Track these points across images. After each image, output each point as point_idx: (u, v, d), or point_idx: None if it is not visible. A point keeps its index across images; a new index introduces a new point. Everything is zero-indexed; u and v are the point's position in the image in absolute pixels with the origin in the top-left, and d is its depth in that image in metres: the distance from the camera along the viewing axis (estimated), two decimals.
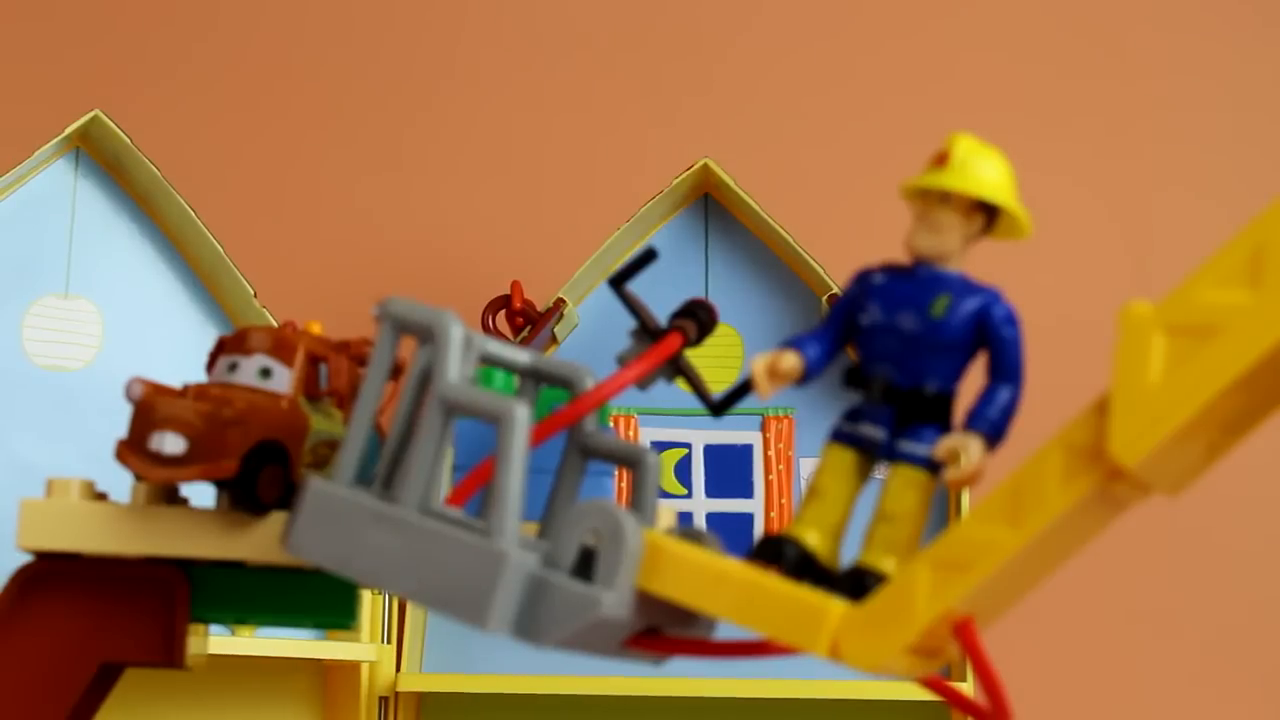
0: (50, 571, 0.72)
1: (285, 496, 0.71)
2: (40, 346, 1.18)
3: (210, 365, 0.73)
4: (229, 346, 0.73)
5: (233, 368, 0.72)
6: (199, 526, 0.70)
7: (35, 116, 1.34)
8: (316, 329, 0.74)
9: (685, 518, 1.24)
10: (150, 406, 0.68)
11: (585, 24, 1.52)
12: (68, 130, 1.18)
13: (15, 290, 1.18)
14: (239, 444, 0.68)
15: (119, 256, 1.22)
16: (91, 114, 1.18)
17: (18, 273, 1.18)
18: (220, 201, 1.30)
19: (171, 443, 0.67)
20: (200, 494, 0.73)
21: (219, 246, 1.20)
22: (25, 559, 0.73)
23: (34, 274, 1.19)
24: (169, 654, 0.71)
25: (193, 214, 1.19)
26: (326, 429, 0.73)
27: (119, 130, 1.18)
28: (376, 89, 1.50)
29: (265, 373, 0.71)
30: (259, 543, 0.70)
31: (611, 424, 1.25)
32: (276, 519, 0.70)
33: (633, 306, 0.71)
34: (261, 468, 0.69)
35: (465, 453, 1.21)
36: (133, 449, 0.68)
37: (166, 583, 0.72)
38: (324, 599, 0.74)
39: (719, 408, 0.71)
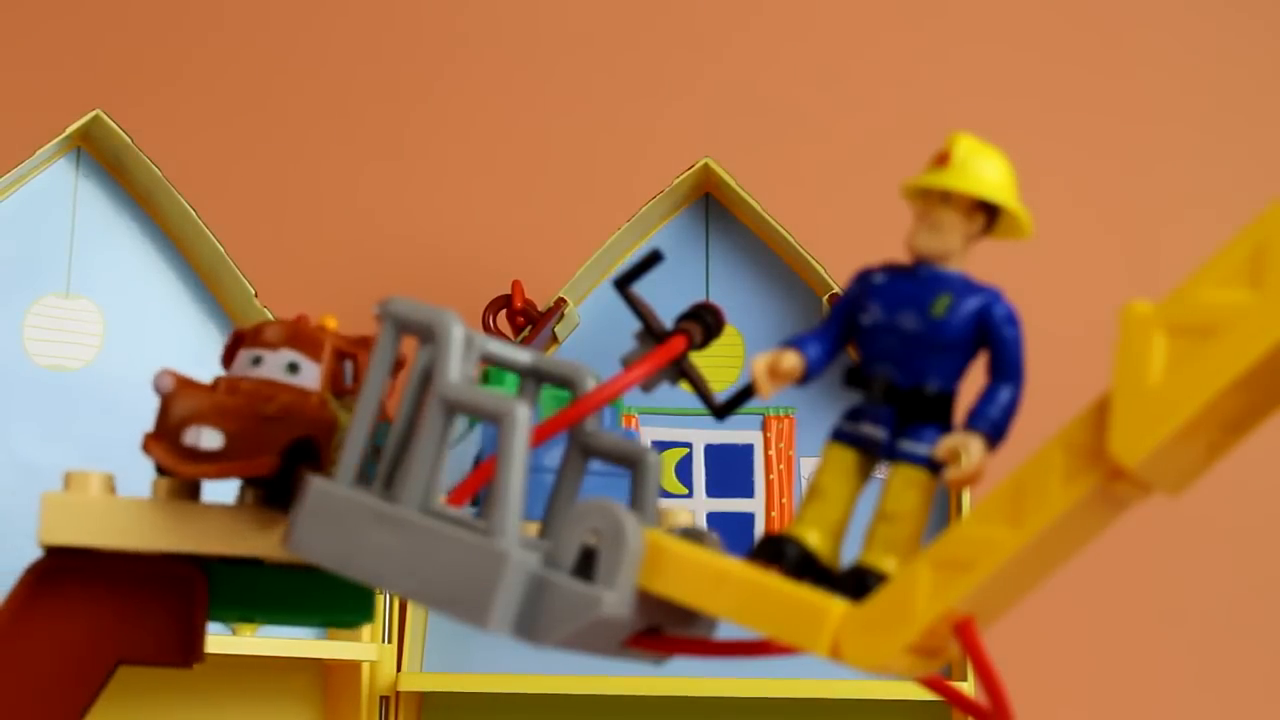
0: (64, 568, 0.71)
1: None
2: (41, 346, 1.18)
3: (228, 358, 0.72)
4: (249, 339, 0.71)
5: (257, 361, 0.70)
6: (221, 524, 0.69)
7: (36, 116, 1.34)
8: (332, 324, 0.73)
9: None
10: (183, 399, 0.67)
11: (585, 23, 1.52)
12: (69, 130, 1.18)
13: (16, 290, 1.18)
14: (277, 441, 0.67)
15: (120, 256, 1.22)
16: (92, 114, 1.18)
17: (19, 272, 1.19)
18: (221, 201, 1.30)
19: (209, 437, 0.66)
20: (210, 490, 0.72)
21: (220, 246, 1.20)
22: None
23: (35, 273, 1.19)
24: (186, 653, 0.70)
25: (193, 213, 1.19)
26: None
27: (120, 130, 1.18)
28: (377, 88, 1.50)
29: (293, 368, 0.70)
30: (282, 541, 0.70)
31: (625, 423, 1.25)
32: None
33: (637, 308, 0.71)
34: (297, 465, 0.68)
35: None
36: (162, 442, 0.67)
37: (185, 580, 0.71)
38: (340, 597, 0.73)
39: (722, 411, 0.71)
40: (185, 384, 0.68)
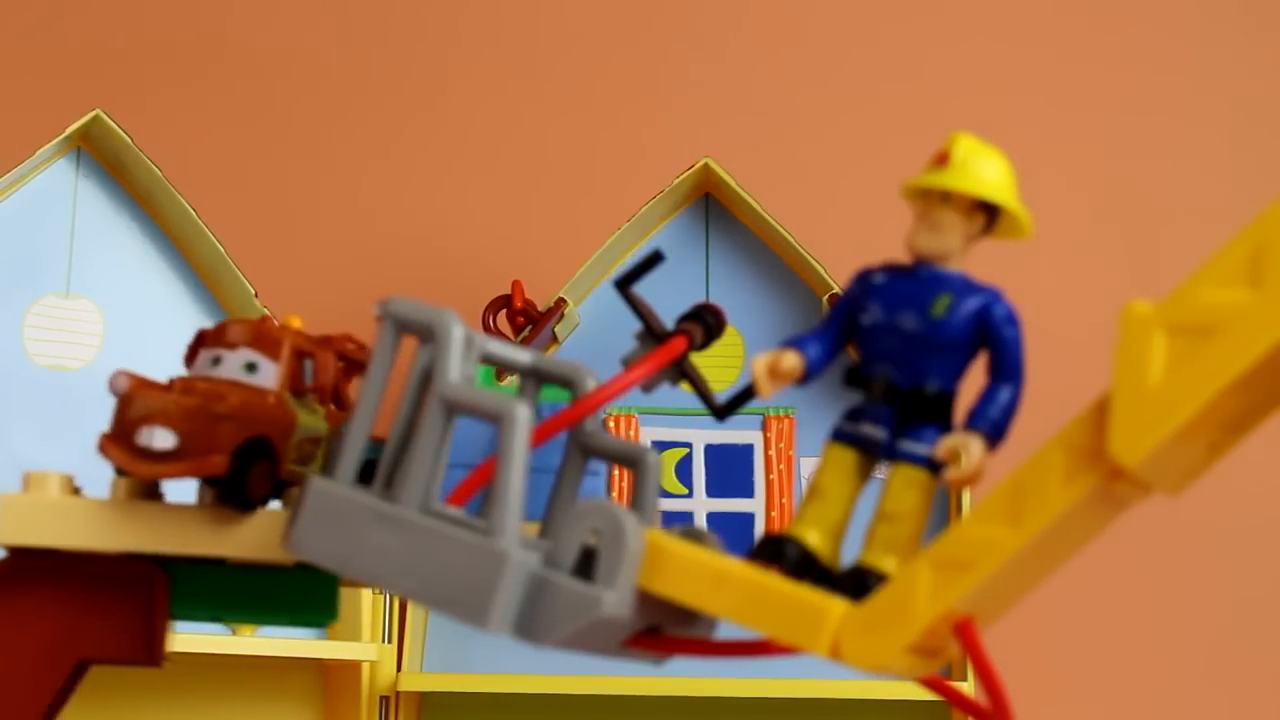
0: (27, 568, 0.71)
1: (272, 494, 0.70)
2: (41, 346, 1.18)
3: (190, 358, 0.72)
4: (210, 340, 0.72)
5: (216, 361, 0.71)
6: (180, 523, 0.69)
7: (36, 116, 1.34)
8: (297, 323, 0.73)
9: (686, 517, 1.24)
10: (137, 400, 0.67)
11: (585, 23, 1.52)
12: (69, 130, 1.18)
13: (16, 290, 1.18)
14: (229, 440, 0.67)
15: (120, 256, 1.22)
16: (92, 114, 1.18)
17: (19, 272, 1.19)
18: (221, 201, 1.30)
19: (161, 437, 0.66)
20: (176, 490, 0.72)
21: (220, 246, 1.20)
22: None
23: (35, 273, 1.19)
24: (148, 652, 0.70)
25: (193, 213, 1.19)
26: (311, 425, 0.72)
27: (120, 130, 1.18)
28: (377, 89, 1.50)
29: (250, 367, 0.70)
30: (241, 540, 0.69)
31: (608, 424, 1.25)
32: (260, 516, 0.70)
33: (638, 309, 0.71)
34: (251, 464, 0.68)
35: (461, 452, 1.21)
36: (118, 443, 0.67)
37: (146, 580, 0.71)
38: (304, 596, 0.73)
39: (723, 411, 0.71)
40: (141, 385, 0.68)
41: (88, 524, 0.69)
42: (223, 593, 0.73)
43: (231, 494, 0.68)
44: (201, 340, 0.72)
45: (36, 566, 0.71)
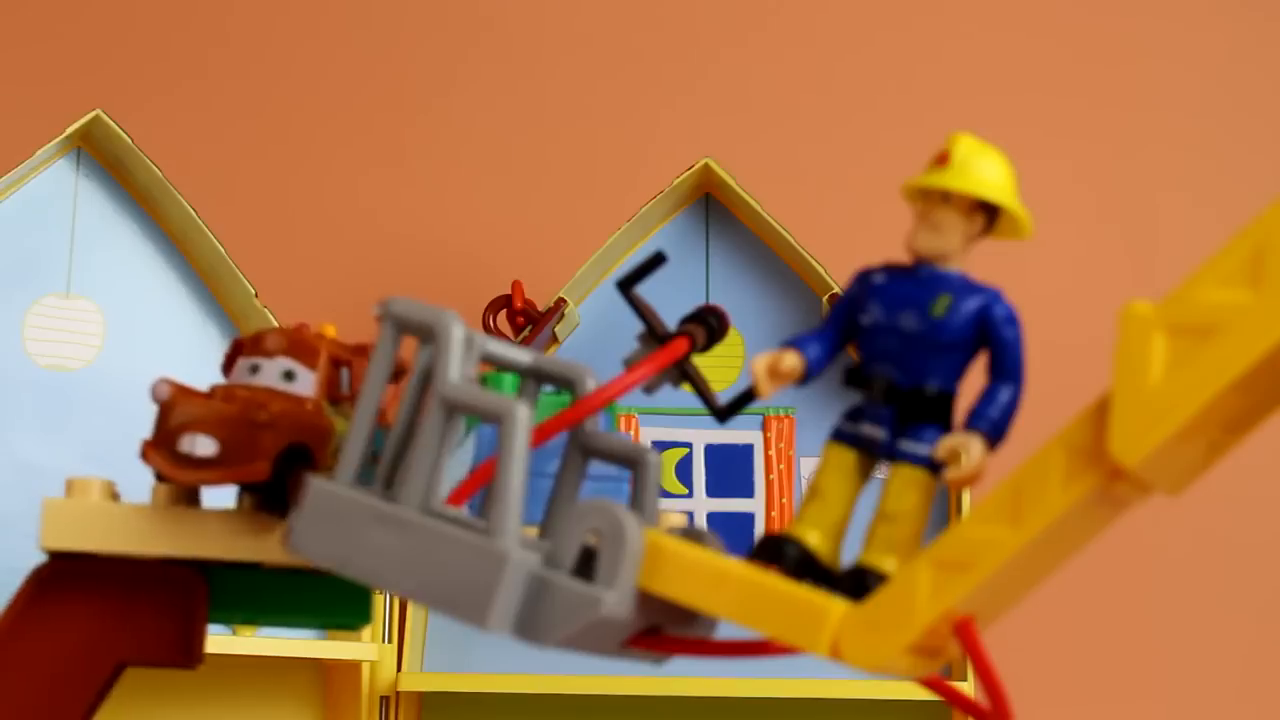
0: (67, 571, 0.72)
1: None
2: (41, 346, 1.18)
3: (228, 366, 0.73)
4: (248, 348, 0.72)
5: (254, 370, 0.71)
6: (219, 529, 0.70)
7: (36, 116, 1.34)
8: (331, 332, 0.74)
9: (687, 518, 1.24)
10: (179, 407, 0.68)
11: (585, 23, 1.52)
12: (69, 130, 1.18)
13: (16, 290, 1.18)
14: (270, 447, 0.68)
15: (120, 256, 1.22)
16: (93, 114, 1.18)
17: (19, 272, 1.19)
18: (222, 201, 1.30)
19: (203, 445, 0.67)
20: (211, 495, 0.72)
21: (220, 246, 1.20)
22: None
23: (35, 274, 1.19)
24: (186, 655, 0.71)
25: (194, 214, 1.19)
26: (347, 432, 0.73)
27: (120, 130, 1.18)
28: (378, 89, 1.50)
29: (288, 375, 0.71)
30: (279, 545, 0.70)
31: (619, 424, 1.25)
32: None
33: (640, 310, 0.71)
34: (291, 471, 0.69)
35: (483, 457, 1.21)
36: (160, 450, 0.68)
37: (185, 584, 0.72)
38: (338, 600, 0.74)
39: (724, 413, 0.71)
40: (182, 392, 0.69)
41: (128, 529, 0.70)
42: (258, 596, 0.74)
43: (272, 501, 0.69)
44: (239, 348, 0.73)
45: (77, 570, 0.72)
